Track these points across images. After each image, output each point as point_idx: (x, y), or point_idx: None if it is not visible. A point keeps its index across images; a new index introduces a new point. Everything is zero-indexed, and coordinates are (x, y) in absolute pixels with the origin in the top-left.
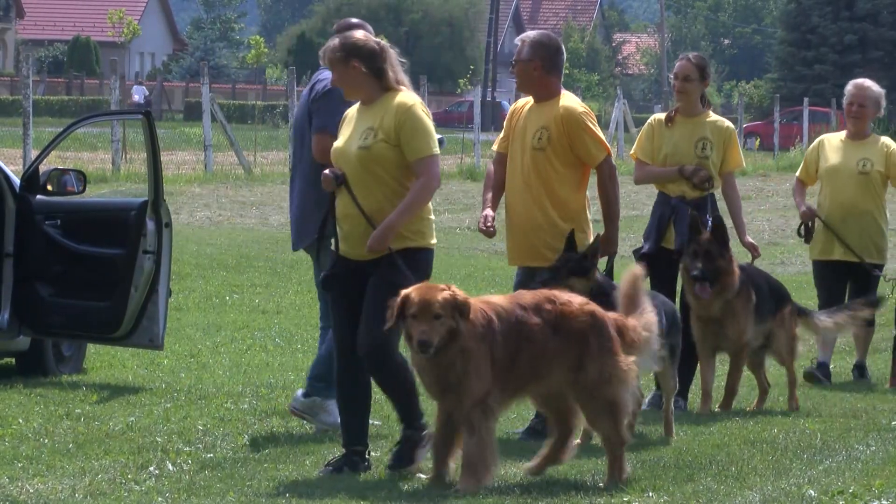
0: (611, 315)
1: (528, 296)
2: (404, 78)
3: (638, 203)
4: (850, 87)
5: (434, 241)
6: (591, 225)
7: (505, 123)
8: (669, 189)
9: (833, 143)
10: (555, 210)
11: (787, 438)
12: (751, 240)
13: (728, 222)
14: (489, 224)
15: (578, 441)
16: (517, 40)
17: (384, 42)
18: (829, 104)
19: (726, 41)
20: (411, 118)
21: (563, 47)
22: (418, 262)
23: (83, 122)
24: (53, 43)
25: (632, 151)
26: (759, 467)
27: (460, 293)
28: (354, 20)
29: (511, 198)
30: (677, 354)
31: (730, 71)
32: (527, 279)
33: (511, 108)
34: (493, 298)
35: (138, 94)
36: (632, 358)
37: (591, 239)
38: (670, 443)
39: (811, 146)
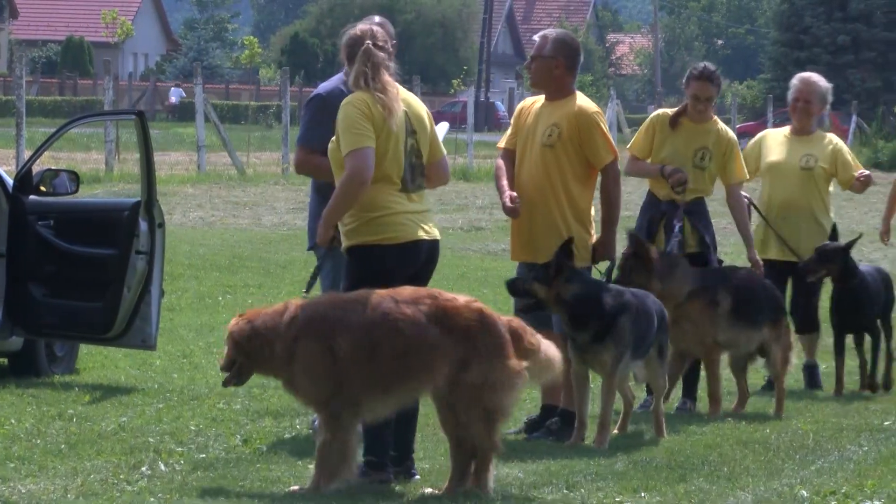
0: (505, 318)
1: (407, 290)
2: (366, 81)
3: (631, 204)
4: (795, 81)
5: (379, 237)
6: (594, 225)
7: (512, 120)
8: (659, 192)
9: (776, 138)
10: (562, 207)
11: (780, 439)
12: (756, 257)
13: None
14: (515, 202)
15: (571, 441)
16: (537, 37)
17: (370, 43)
18: None
19: (719, 41)
20: (339, 118)
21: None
22: (350, 260)
23: (76, 123)
24: (47, 43)
25: (629, 146)
26: (751, 467)
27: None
28: (377, 17)
29: (518, 194)
30: (665, 354)
31: (723, 71)
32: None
33: (520, 105)
34: (354, 294)
35: (175, 96)
36: (524, 363)
37: (594, 240)
38: (661, 443)
39: (752, 141)
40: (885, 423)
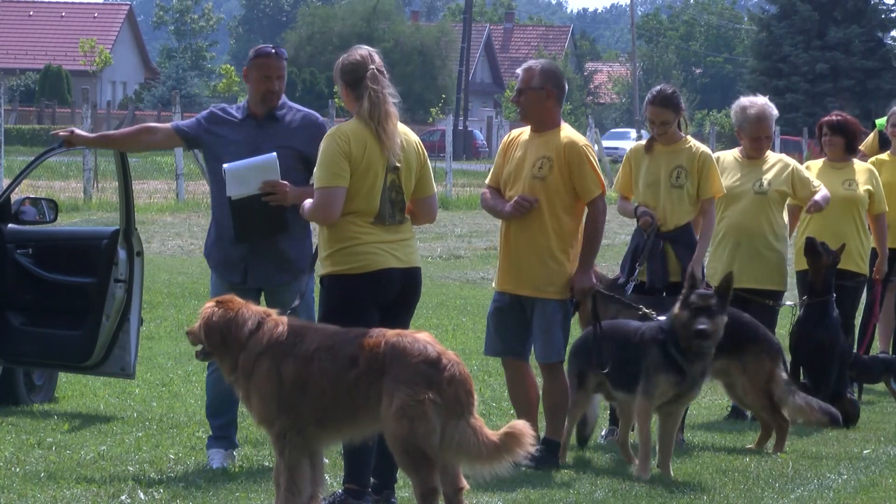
0: (450, 357)
1: (368, 330)
2: (375, 113)
3: (609, 232)
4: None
5: (347, 266)
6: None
7: (497, 158)
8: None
9: (728, 161)
10: (550, 238)
11: (759, 467)
12: (696, 273)
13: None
14: (522, 199)
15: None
16: (521, 70)
17: (374, 68)
18: (801, 133)
19: (698, 70)
20: (321, 148)
21: None
22: (322, 290)
23: (55, 151)
24: (25, 72)
25: (614, 186)
26: (731, 496)
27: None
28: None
29: (507, 225)
30: None
31: (701, 100)
32: (512, 306)
33: (506, 138)
34: (316, 325)
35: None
36: (429, 393)
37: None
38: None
39: None
40: (865, 452)
